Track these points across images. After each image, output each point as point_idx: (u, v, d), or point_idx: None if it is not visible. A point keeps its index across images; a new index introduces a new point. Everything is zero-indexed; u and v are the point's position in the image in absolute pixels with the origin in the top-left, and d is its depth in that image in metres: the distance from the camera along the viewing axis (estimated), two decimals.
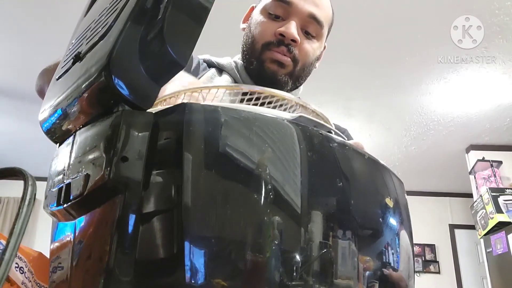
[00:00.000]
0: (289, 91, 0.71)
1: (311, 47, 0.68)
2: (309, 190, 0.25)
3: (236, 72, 0.72)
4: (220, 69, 0.74)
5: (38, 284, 0.40)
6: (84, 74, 0.27)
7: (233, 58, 0.76)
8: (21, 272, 0.38)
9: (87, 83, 0.26)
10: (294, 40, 0.64)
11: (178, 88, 0.38)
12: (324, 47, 0.75)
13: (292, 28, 0.64)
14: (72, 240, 0.26)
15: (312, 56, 0.69)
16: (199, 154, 0.24)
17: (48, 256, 0.32)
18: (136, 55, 0.25)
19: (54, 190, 0.27)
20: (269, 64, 0.66)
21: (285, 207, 0.24)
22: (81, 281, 0.25)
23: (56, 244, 0.29)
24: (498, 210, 3.12)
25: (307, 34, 0.67)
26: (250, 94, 0.36)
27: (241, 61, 0.72)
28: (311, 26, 0.67)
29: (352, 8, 2.33)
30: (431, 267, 5.14)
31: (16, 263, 0.39)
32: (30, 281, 0.39)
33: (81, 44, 0.32)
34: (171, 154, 0.24)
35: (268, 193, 0.24)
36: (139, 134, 0.24)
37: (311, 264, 0.24)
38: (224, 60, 0.75)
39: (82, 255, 0.25)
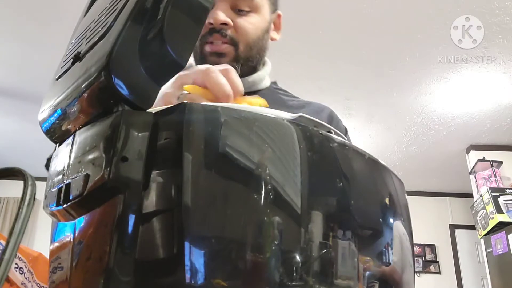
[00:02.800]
0: (250, 74, 0.70)
1: (248, 22, 0.66)
2: (309, 190, 0.25)
3: None
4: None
5: (38, 285, 0.40)
6: (84, 74, 0.27)
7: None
8: (21, 272, 0.38)
9: (86, 83, 0.26)
10: (224, 23, 0.63)
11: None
12: (278, 16, 0.73)
13: (218, 13, 0.63)
14: (72, 240, 0.26)
15: (254, 31, 0.67)
16: (199, 154, 0.24)
17: (48, 256, 0.32)
18: (136, 55, 0.25)
19: (53, 190, 0.27)
20: (210, 57, 0.65)
21: (285, 207, 0.24)
22: (81, 281, 0.25)
23: (56, 244, 0.29)
24: (499, 210, 3.12)
25: (240, 11, 0.66)
26: None
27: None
28: (240, 3, 0.65)
29: (352, 8, 2.34)
30: (431, 267, 5.14)
31: (16, 264, 0.39)
32: (30, 281, 0.39)
33: (81, 44, 0.32)
34: (171, 154, 0.24)
35: (268, 193, 0.24)
36: (139, 134, 0.24)
37: (311, 264, 0.24)
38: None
39: (82, 255, 0.25)
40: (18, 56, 2.85)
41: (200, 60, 0.67)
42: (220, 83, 0.38)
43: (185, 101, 0.26)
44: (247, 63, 0.68)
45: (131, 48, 0.25)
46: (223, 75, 0.39)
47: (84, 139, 0.27)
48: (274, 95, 0.76)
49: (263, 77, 0.74)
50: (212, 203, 0.23)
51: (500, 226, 3.09)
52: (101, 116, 0.26)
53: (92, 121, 0.27)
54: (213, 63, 0.64)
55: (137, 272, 0.22)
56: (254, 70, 0.72)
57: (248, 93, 0.71)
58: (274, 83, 0.80)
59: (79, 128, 0.28)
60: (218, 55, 0.64)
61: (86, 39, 0.31)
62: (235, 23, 0.64)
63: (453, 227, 5.27)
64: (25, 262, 0.40)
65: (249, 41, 0.66)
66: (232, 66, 0.66)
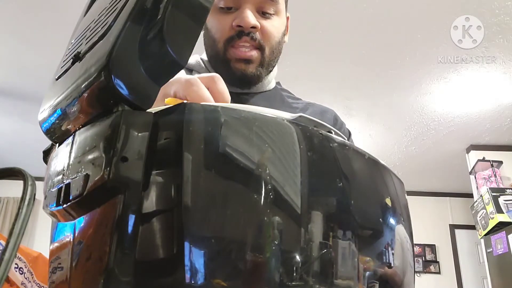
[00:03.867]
0: (265, 78, 0.69)
1: (273, 26, 0.65)
2: (309, 190, 0.25)
3: (207, 71, 0.68)
4: (190, 69, 0.71)
5: (38, 285, 0.40)
6: (84, 74, 0.26)
7: (201, 56, 0.72)
8: (21, 272, 0.38)
9: (86, 83, 0.26)
10: (254, 27, 0.61)
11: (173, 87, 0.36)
12: (287, 18, 0.72)
13: (248, 16, 0.61)
14: (71, 240, 0.26)
15: (277, 35, 0.66)
16: (199, 154, 0.24)
17: (48, 256, 0.32)
18: (136, 55, 0.25)
19: (53, 190, 0.27)
20: (235, 63, 0.63)
21: (285, 207, 0.24)
22: (81, 281, 0.25)
23: (56, 244, 0.29)
24: (499, 210, 3.12)
25: (265, 14, 0.64)
26: None
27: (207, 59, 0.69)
28: (266, 6, 0.63)
29: (352, 8, 2.33)
30: (432, 267, 5.14)
31: (16, 264, 0.39)
32: (30, 281, 0.39)
33: (81, 44, 0.32)
34: (171, 154, 0.24)
35: (268, 193, 0.24)
36: (139, 134, 0.24)
37: (311, 264, 0.24)
38: (192, 59, 0.72)
39: (82, 255, 0.25)
40: (18, 56, 2.85)
41: (222, 63, 0.64)
42: (201, 97, 0.34)
43: (184, 101, 0.26)
44: (269, 68, 0.68)
45: (131, 48, 0.25)
46: (208, 85, 0.35)
47: (84, 139, 0.27)
48: (280, 96, 0.75)
49: (272, 78, 0.74)
50: (212, 203, 0.23)
51: (500, 226, 3.09)
52: (101, 116, 0.26)
53: (92, 121, 0.27)
54: (237, 70, 0.63)
55: (137, 272, 0.22)
56: (271, 72, 0.71)
57: (249, 94, 0.70)
58: (278, 83, 0.80)
59: (79, 128, 0.28)
60: (246, 61, 0.63)
61: (86, 39, 0.31)
62: (261, 26, 0.63)
63: (453, 227, 5.27)
64: (25, 262, 0.40)
65: (273, 44, 0.65)
66: (258, 72, 0.65)
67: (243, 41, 0.62)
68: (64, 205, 0.26)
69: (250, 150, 0.24)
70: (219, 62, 0.65)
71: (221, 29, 0.64)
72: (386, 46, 2.63)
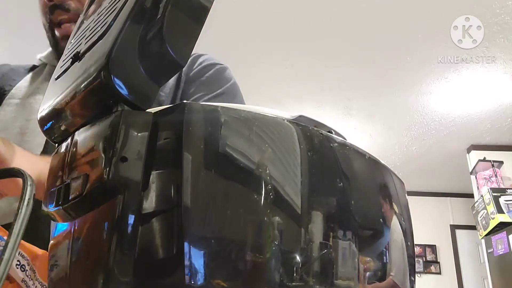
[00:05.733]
0: None
1: None
2: (309, 190, 0.25)
3: (54, 58, 0.63)
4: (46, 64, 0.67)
5: (41, 283, 0.39)
6: (83, 74, 0.26)
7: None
8: (22, 270, 0.38)
9: (86, 83, 0.26)
10: None
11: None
12: None
13: None
14: (71, 240, 0.26)
15: None
16: (198, 154, 0.24)
17: None
18: (135, 55, 0.25)
19: (53, 190, 0.27)
20: (62, 43, 0.59)
21: (285, 207, 0.24)
22: (80, 281, 0.25)
23: (55, 244, 0.29)
24: (499, 210, 3.12)
25: None
26: None
27: None
28: None
29: (352, 8, 2.34)
30: (432, 268, 5.14)
31: (18, 261, 0.39)
32: (32, 279, 0.39)
33: (80, 44, 0.32)
34: (170, 154, 0.24)
35: (268, 193, 0.24)
36: (138, 134, 0.24)
37: (312, 264, 0.24)
38: (47, 52, 0.68)
39: (81, 255, 0.25)
40: (18, 56, 2.85)
41: (54, 46, 0.60)
42: None
43: (184, 101, 0.25)
44: None
45: (130, 48, 0.25)
46: None
47: (84, 139, 0.27)
48: None
49: None
50: (212, 204, 0.23)
51: (501, 226, 3.09)
52: (100, 116, 0.26)
53: (92, 121, 0.27)
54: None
55: (137, 272, 0.22)
56: None
57: None
58: None
59: (79, 128, 0.28)
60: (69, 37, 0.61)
61: (86, 38, 0.31)
62: None
63: (453, 228, 5.27)
64: (28, 260, 0.40)
65: None
66: None
67: (58, 15, 0.57)
68: (64, 205, 0.26)
69: (250, 150, 0.24)
70: (53, 48, 0.60)
71: (40, 10, 0.60)
72: (386, 46, 2.63)
